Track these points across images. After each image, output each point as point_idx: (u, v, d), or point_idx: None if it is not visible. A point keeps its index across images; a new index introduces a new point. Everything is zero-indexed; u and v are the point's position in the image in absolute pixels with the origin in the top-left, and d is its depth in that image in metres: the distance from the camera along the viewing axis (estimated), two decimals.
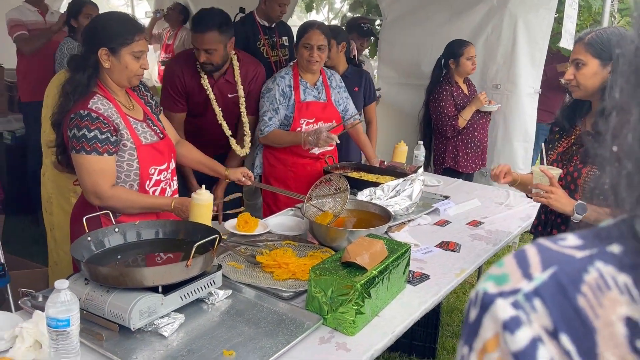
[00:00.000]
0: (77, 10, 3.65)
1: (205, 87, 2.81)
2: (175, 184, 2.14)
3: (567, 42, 3.43)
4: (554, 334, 0.43)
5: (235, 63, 2.87)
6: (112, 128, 1.86)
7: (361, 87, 3.45)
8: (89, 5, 3.71)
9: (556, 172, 1.93)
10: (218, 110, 2.85)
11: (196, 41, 2.68)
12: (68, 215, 2.73)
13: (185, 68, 2.82)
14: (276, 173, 3.01)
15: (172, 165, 2.10)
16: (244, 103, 2.90)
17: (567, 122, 2.02)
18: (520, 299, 0.45)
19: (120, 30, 1.88)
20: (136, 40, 1.88)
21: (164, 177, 2.04)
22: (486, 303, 0.46)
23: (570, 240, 0.49)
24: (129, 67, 1.89)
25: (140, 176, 1.95)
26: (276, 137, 2.89)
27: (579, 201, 1.82)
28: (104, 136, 1.83)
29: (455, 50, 3.65)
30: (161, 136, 2.05)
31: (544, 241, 0.49)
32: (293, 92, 2.89)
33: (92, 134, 1.82)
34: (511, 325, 0.44)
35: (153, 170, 1.98)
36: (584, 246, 0.47)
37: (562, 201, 1.83)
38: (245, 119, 2.92)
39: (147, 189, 1.99)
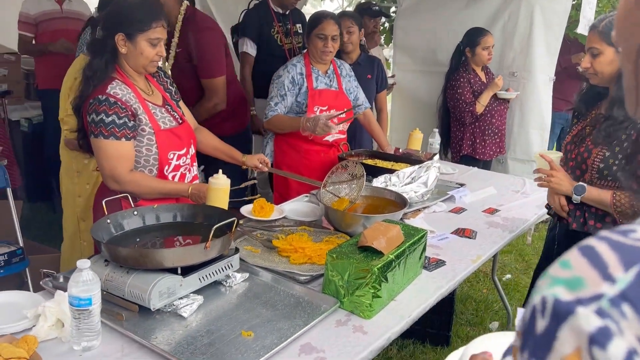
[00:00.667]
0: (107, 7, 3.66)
1: None
2: (195, 170, 2.15)
3: (584, 28, 3.38)
4: None
5: (180, 17, 2.89)
6: (129, 113, 1.87)
7: (374, 75, 3.43)
8: None
9: (555, 155, 1.99)
10: None
11: None
12: (71, 195, 2.76)
13: None
14: (289, 160, 3.00)
15: (192, 151, 2.11)
16: (174, 54, 2.94)
17: (583, 107, 2.04)
18: (605, 305, 0.39)
19: (138, 16, 1.87)
20: (153, 27, 1.87)
21: (183, 163, 2.05)
22: (562, 312, 0.40)
23: None
24: (144, 54, 1.89)
25: (159, 161, 1.97)
26: (278, 122, 2.88)
27: (580, 182, 1.91)
28: (121, 121, 1.85)
29: (472, 38, 3.62)
30: (180, 122, 2.06)
31: (611, 235, 0.44)
32: (305, 79, 2.89)
33: (109, 118, 1.83)
34: (600, 338, 0.38)
35: (172, 155, 1.99)
36: None
37: (563, 183, 1.94)
38: (168, 68, 2.96)
39: (166, 174, 2.00)
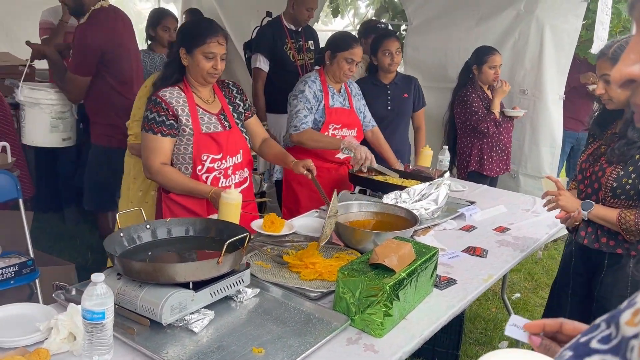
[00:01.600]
0: (156, 22, 3.71)
1: None
2: (235, 179, 2.26)
3: (598, 48, 3.39)
4: None
5: (88, 14, 3.05)
6: (170, 113, 2.10)
7: (410, 94, 3.46)
8: (169, 18, 3.75)
9: (562, 178, 2.05)
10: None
11: None
12: (126, 201, 2.85)
13: None
14: (300, 177, 2.98)
15: (236, 159, 2.26)
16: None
17: (598, 129, 2.07)
18: None
19: (196, 32, 2.11)
20: (207, 42, 2.09)
21: (217, 167, 2.20)
22: None
23: None
24: (200, 66, 2.12)
25: (193, 160, 2.15)
26: (313, 135, 2.86)
27: (587, 200, 1.96)
28: (160, 119, 2.09)
29: (480, 56, 3.64)
30: (228, 129, 2.23)
31: None
32: (323, 97, 2.92)
33: (152, 115, 2.11)
34: None
35: (205, 157, 2.16)
36: None
37: (570, 201, 2.01)
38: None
39: (199, 173, 2.17)
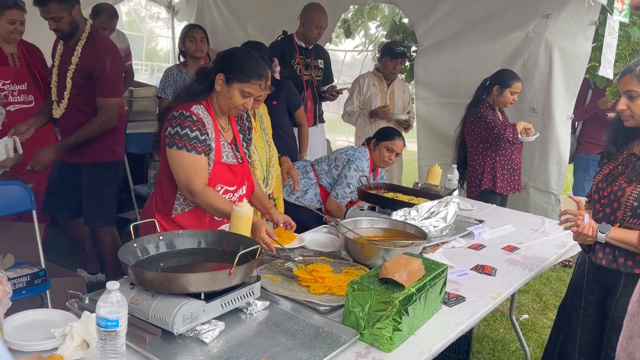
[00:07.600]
0: (184, 36, 3.79)
1: (57, 51, 3.11)
2: None
3: (605, 70, 3.42)
4: None
5: (85, 35, 3.03)
6: (207, 133, 2.04)
7: (279, 100, 3.47)
8: (195, 29, 3.83)
9: (582, 198, 2.08)
10: (55, 71, 3.12)
11: (42, 13, 2.93)
12: None
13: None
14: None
15: (242, 191, 2.23)
16: (73, 69, 3.03)
17: (614, 148, 2.07)
18: None
19: (243, 67, 2.04)
20: (251, 83, 2.03)
21: (228, 198, 2.16)
22: None
23: None
24: (232, 100, 2.05)
25: None
26: (341, 209, 3.18)
27: (604, 223, 1.95)
28: (203, 137, 2.02)
29: (504, 79, 3.63)
30: (240, 161, 2.19)
31: None
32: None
33: (193, 134, 2.00)
34: None
35: (219, 188, 2.12)
36: None
37: (589, 222, 1.97)
38: (69, 82, 3.04)
39: None
